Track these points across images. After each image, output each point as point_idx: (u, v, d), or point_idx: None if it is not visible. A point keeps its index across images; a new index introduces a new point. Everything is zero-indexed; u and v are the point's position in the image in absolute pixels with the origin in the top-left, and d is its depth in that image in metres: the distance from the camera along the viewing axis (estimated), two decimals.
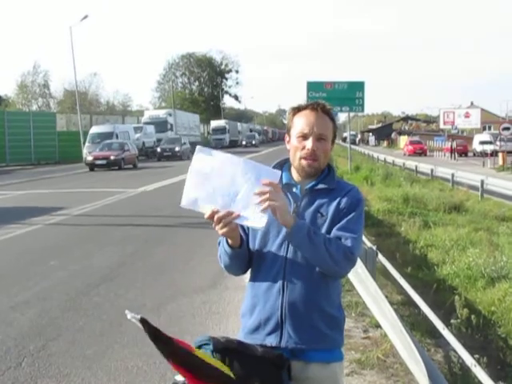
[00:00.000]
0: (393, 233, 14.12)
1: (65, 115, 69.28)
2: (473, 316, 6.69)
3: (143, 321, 2.58)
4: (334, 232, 2.91)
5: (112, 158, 40.59)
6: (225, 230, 2.80)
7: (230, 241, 2.93)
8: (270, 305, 2.97)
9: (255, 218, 2.75)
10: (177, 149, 53.73)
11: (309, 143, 2.96)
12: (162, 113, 71.60)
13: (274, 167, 3.04)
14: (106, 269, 10.48)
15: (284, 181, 3.02)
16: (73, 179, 32.82)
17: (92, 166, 40.46)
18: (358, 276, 7.29)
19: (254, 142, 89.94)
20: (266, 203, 2.71)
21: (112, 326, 7.30)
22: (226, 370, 2.71)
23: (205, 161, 2.80)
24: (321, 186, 3.02)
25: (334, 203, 2.97)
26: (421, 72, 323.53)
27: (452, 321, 6.17)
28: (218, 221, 2.77)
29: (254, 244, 3.03)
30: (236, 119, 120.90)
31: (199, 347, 2.78)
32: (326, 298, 2.98)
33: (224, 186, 2.76)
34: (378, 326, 6.72)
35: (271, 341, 2.95)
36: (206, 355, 2.70)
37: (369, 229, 14.32)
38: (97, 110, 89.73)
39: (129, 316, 2.57)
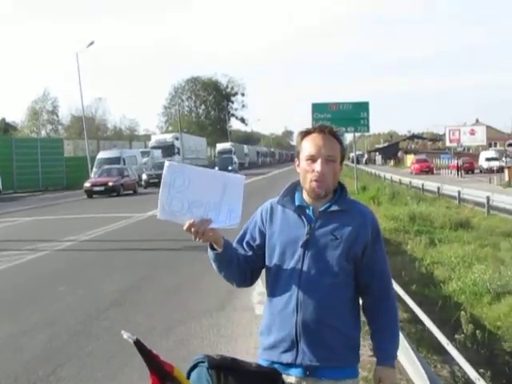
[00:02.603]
0: (399, 251, 14.14)
1: (72, 141, 69.55)
2: (478, 331, 6.72)
3: (137, 342, 2.69)
4: (368, 277, 3.09)
5: (110, 184, 39.17)
6: (204, 237, 2.96)
7: (214, 245, 3.06)
8: (285, 324, 3.05)
9: (229, 220, 2.97)
10: None
11: (317, 165, 3.01)
12: (168, 137, 71.73)
13: (285, 192, 3.18)
14: (115, 293, 10.55)
15: (297, 203, 3.12)
16: (79, 205, 32.91)
17: (90, 193, 39.04)
18: None
19: (230, 168, 66.27)
20: None
21: (121, 349, 7.33)
22: None
23: (175, 175, 2.94)
24: (334, 207, 3.08)
25: (349, 227, 3.04)
26: (426, 90, 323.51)
27: (456, 336, 6.21)
28: (196, 231, 2.93)
29: (271, 262, 3.14)
30: (243, 142, 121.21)
31: (195, 365, 2.86)
32: (341, 318, 3.03)
33: (196, 197, 2.93)
34: None
35: (287, 358, 3.02)
36: (182, 377, 2.77)
37: None
38: (104, 135, 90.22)
39: (125, 336, 2.68)
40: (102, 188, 39.01)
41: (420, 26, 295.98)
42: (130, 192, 40.89)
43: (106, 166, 44.66)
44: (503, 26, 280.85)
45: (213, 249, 3.06)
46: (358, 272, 3.07)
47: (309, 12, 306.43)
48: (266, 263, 3.16)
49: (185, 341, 7.71)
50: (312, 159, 3.03)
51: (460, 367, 5.21)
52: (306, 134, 3.11)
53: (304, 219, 3.07)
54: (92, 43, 53.66)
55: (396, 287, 8.03)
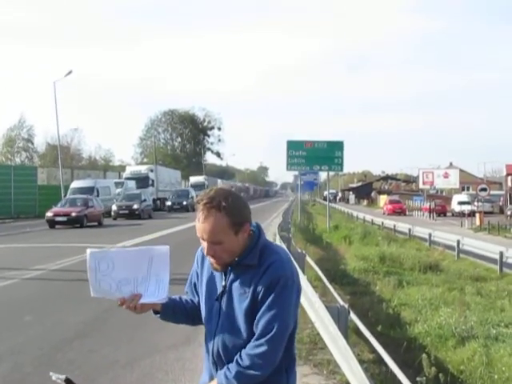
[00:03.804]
0: (367, 291, 14.22)
1: (46, 169, 69.20)
2: (441, 374, 6.77)
3: (68, 381, 2.75)
4: (253, 328, 2.93)
5: (73, 214, 37.24)
6: (138, 311, 3.09)
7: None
8: (209, 370, 3.13)
9: (157, 295, 3.07)
10: (135, 206, 48.19)
11: (206, 248, 2.93)
12: (143, 168, 71.72)
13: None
14: (80, 324, 10.50)
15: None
16: (50, 234, 32.66)
17: (52, 223, 37.09)
18: (330, 334, 7.37)
19: (184, 203, 64.61)
20: None
21: (85, 381, 7.30)
22: None
23: (98, 261, 3.03)
24: (243, 262, 2.96)
25: (255, 281, 2.91)
26: (400, 132, 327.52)
27: (418, 379, 6.24)
28: (128, 307, 3.04)
29: (201, 308, 3.18)
30: (218, 176, 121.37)
31: None
32: None
33: (123, 276, 3.03)
34: (348, 383, 6.79)
35: None
36: None
37: (344, 287, 14.46)
38: (78, 164, 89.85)
39: (53, 377, 2.75)
40: (65, 218, 37.27)
41: (396, 69, 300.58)
42: (95, 224, 39.18)
43: (71, 196, 43.78)
44: (479, 71, 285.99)
45: (155, 312, 3.18)
46: None
47: (284, 52, 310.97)
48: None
49: (149, 374, 7.69)
50: (201, 239, 2.95)
51: None
52: (197, 203, 2.92)
53: (221, 272, 3.03)
54: (70, 72, 53.54)
55: (361, 327, 8.11)
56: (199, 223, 2.89)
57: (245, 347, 2.93)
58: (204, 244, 2.94)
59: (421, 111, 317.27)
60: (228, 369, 2.90)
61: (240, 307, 2.95)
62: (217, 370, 3.02)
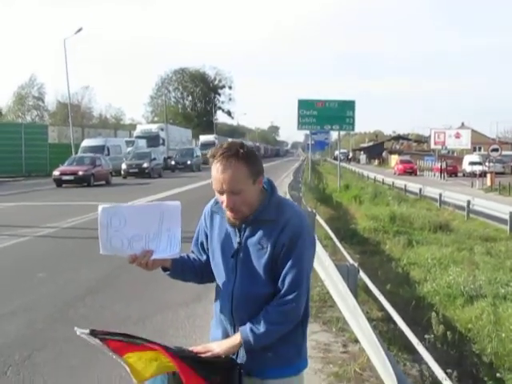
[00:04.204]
0: (377, 251, 14.27)
1: (57, 127, 69.24)
2: (449, 332, 6.84)
3: (92, 332, 2.80)
4: (279, 284, 2.98)
5: (80, 173, 37.16)
6: (149, 267, 3.07)
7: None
8: (223, 326, 3.14)
9: (170, 248, 3.04)
10: (145, 165, 48.19)
11: (225, 200, 2.92)
12: (154, 127, 71.50)
13: (215, 202, 3.16)
14: (92, 281, 10.62)
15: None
16: (60, 192, 32.82)
17: (59, 182, 36.96)
18: (339, 293, 7.43)
19: (189, 163, 63.14)
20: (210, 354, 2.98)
21: None
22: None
23: (111, 217, 3.00)
24: (260, 217, 2.99)
25: (274, 235, 2.96)
26: (413, 92, 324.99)
27: (426, 336, 6.32)
28: (139, 263, 3.02)
29: (212, 266, 3.21)
30: (228, 135, 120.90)
31: None
32: None
33: (135, 232, 3.01)
34: (356, 340, 6.87)
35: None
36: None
37: (354, 246, 14.52)
38: (89, 123, 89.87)
39: (78, 332, 2.78)
40: (72, 177, 37.12)
41: (408, 29, 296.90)
42: (102, 183, 39.13)
43: (78, 155, 43.59)
44: (492, 34, 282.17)
45: (165, 269, 3.18)
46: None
47: (297, 11, 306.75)
48: (211, 265, 3.22)
49: (160, 330, 7.78)
50: (220, 192, 2.95)
51: (428, 367, 5.33)
52: (213, 157, 2.92)
53: (235, 228, 3.05)
54: (80, 30, 53.23)
55: (371, 286, 8.19)
56: (218, 174, 2.88)
57: (266, 302, 2.99)
58: (222, 197, 2.94)
59: (434, 72, 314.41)
60: (254, 324, 2.95)
61: (258, 263, 2.99)
62: (234, 327, 3.07)
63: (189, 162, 62.63)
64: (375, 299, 8.29)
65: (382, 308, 7.96)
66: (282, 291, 2.96)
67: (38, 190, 33.97)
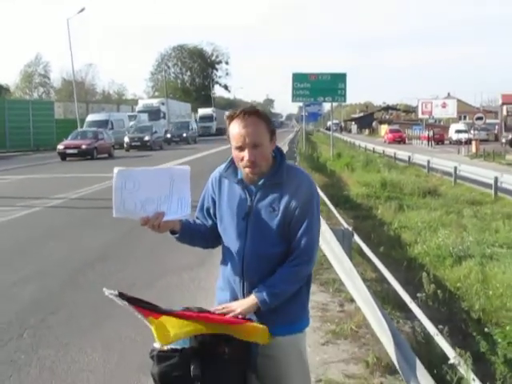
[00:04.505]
0: (370, 215, 14.28)
1: (62, 103, 68.99)
2: (439, 291, 6.86)
3: (121, 294, 2.79)
4: (293, 245, 3.02)
5: (83, 147, 36.90)
6: (161, 230, 3.04)
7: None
8: (231, 288, 3.14)
9: (180, 210, 3.03)
10: (146, 138, 47.81)
11: (246, 154, 2.95)
12: (155, 102, 71.38)
13: (228, 164, 3.16)
14: (101, 248, 10.65)
15: (239, 176, 3.11)
16: (68, 165, 32.76)
17: (63, 156, 36.63)
18: (335, 255, 7.46)
19: (184, 135, 62.26)
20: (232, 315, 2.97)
21: (107, 300, 7.39)
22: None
23: (125, 179, 2.97)
24: (271, 180, 3.03)
25: (285, 198, 3.01)
26: (401, 64, 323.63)
27: (418, 294, 6.33)
28: (151, 225, 3.01)
29: (221, 230, 3.20)
30: (225, 108, 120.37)
31: None
32: None
33: (148, 195, 2.98)
34: (352, 300, 6.90)
35: None
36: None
37: (347, 211, 14.54)
38: (93, 98, 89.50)
39: (106, 293, 2.77)
40: (75, 151, 36.91)
41: (397, 3, 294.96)
42: (105, 155, 38.64)
43: (81, 129, 43.34)
44: (478, 5, 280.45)
45: (173, 232, 3.15)
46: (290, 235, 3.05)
47: None
48: (219, 229, 3.21)
49: (166, 294, 7.80)
50: (240, 149, 2.97)
51: (421, 323, 5.35)
52: (231, 118, 3.00)
53: (246, 192, 3.08)
54: (83, 10, 52.90)
55: (365, 248, 8.21)
56: (240, 129, 2.94)
57: (276, 261, 3.02)
58: (242, 153, 2.97)
59: (421, 45, 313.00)
60: (269, 284, 2.98)
61: (270, 224, 3.02)
62: (243, 288, 3.08)
63: (184, 135, 62.04)
64: (369, 261, 8.31)
65: (375, 269, 7.98)
66: (298, 252, 3.00)
67: (44, 164, 33.86)
